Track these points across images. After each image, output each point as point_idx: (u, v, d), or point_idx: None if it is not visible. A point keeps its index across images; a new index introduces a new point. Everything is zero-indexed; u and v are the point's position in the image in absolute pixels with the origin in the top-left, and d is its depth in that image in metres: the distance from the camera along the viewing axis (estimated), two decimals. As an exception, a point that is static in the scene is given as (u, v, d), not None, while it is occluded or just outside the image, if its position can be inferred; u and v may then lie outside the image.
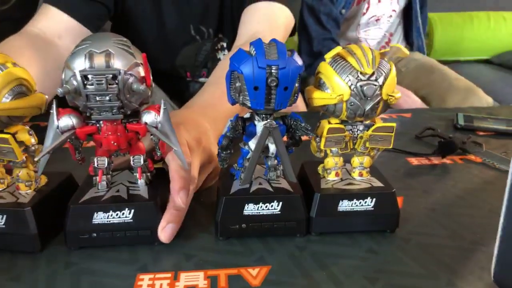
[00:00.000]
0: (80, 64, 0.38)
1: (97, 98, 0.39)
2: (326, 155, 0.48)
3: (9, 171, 0.46)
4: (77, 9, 0.83)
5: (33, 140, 0.44)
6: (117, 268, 0.41)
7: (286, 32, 0.92)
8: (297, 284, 0.39)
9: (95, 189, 0.45)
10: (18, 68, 0.41)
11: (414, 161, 0.67)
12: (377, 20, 1.38)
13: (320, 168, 0.50)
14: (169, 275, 0.40)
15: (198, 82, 1.11)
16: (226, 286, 0.38)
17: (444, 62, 1.67)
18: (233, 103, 0.45)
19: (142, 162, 0.45)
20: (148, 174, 0.47)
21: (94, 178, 0.45)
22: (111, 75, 0.38)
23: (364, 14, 1.35)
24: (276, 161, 0.48)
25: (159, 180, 0.48)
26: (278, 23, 0.89)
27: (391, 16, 1.40)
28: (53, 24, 0.79)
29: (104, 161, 0.45)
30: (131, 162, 0.45)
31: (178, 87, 1.11)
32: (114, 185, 0.46)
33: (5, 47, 0.68)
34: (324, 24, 1.25)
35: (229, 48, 1.06)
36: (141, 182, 0.46)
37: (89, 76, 0.38)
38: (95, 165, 0.45)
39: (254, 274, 0.40)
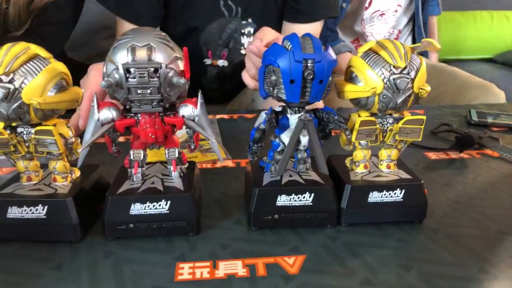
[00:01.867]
0: (123, 57, 0.39)
1: (139, 91, 0.40)
2: (354, 148, 0.49)
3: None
4: (147, 18, 0.99)
5: (70, 132, 0.45)
6: (155, 257, 0.42)
7: None
8: (333, 272, 0.40)
9: (131, 181, 0.46)
10: (59, 62, 0.42)
11: (432, 155, 0.68)
12: (382, 15, 1.36)
13: (347, 161, 0.51)
14: (208, 263, 0.41)
15: (216, 66, 1.13)
16: (265, 274, 0.39)
17: (447, 61, 1.68)
18: (266, 96, 0.46)
19: (177, 155, 0.46)
20: (182, 166, 0.48)
21: (129, 170, 0.46)
22: (152, 69, 0.39)
23: (366, 8, 1.34)
24: (305, 154, 0.49)
25: (192, 172, 0.49)
26: None
27: (396, 11, 1.38)
28: None
29: (140, 153, 0.45)
30: (166, 155, 0.46)
31: (196, 71, 1.13)
32: (148, 177, 0.47)
33: None
34: None
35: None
36: (175, 174, 0.47)
37: (132, 70, 0.39)
38: (131, 157, 0.45)
39: (291, 262, 0.41)
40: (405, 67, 0.43)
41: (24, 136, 0.43)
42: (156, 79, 0.39)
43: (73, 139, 0.45)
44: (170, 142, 0.46)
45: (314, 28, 1.09)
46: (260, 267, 0.40)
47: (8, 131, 0.42)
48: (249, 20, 1.08)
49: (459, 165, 0.65)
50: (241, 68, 1.18)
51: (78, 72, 0.76)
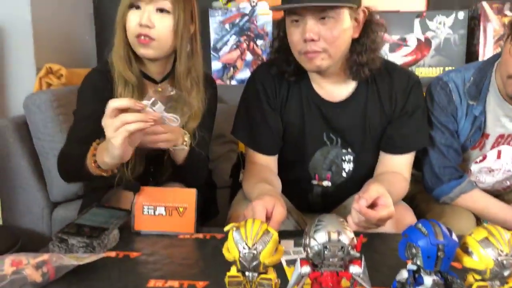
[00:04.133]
0: (322, 238, 0.64)
1: (330, 260, 0.64)
2: (469, 298, 0.68)
3: None
4: (270, 149, 1.31)
5: (275, 274, 0.69)
6: None
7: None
8: None
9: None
10: (276, 232, 0.67)
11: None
12: (491, 171, 1.35)
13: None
14: None
15: (321, 185, 1.36)
16: None
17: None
18: (406, 259, 0.67)
19: (343, 294, 0.68)
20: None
21: (308, 303, 0.69)
22: (341, 247, 0.63)
23: (477, 162, 1.35)
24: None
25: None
26: (406, 176, 1.20)
27: (509, 170, 1.34)
28: (264, 166, 1.30)
29: (317, 293, 0.68)
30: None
31: (303, 189, 1.38)
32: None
33: (261, 187, 1.12)
34: (445, 154, 1.30)
35: (354, 162, 1.32)
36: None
37: (328, 246, 0.63)
38: (312, 295, 0.68)
39: None
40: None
41: (250, 278, 0.67)
42: (342, 252, 0.63)
43: (277, 280, 0.69)
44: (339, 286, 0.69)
45: (407, 156, 1.31)
46: None
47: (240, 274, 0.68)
48: (349, 149, 1.32)
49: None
50: (342, 187, 1.42)
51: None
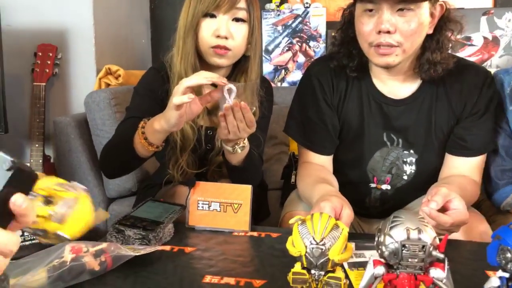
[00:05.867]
0: (399, 235, 0.57)
1: (409, 260, 0.57)
2: None
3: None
4: (326, 149, 1.24)
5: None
6: None
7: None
8: None
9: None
10: (346, 228, 0.62)
11: None
12: None
13: None
14: None
15: (379, 189, 1.27)
16: None
17: None
18: (496, 265, 0.59)
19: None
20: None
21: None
22: (421, 246, 0.56)
23: None
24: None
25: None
26: (476, 179, 1.11)
27: None
28: (320, 166, 1.24)
29: (391, 297, 0.61)
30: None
31: (359, 192, 1.29)
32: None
33: (322, 187, 1.08)
34: (503, 156, 1.23)
35: (416, 164, 1.22)
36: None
37: (407, 245, 0.57)
38: (383, 300, 0.62)
39: None
40: None
41: (316, 276, 0.62)
42: (422, 253, 0.56)
43: (345, 280, 0.63)
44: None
45: (477, 159, 1.19)
46: None
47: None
48: (411, 151, 1.22)
49: None
50: (402, 191, 1.32)
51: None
